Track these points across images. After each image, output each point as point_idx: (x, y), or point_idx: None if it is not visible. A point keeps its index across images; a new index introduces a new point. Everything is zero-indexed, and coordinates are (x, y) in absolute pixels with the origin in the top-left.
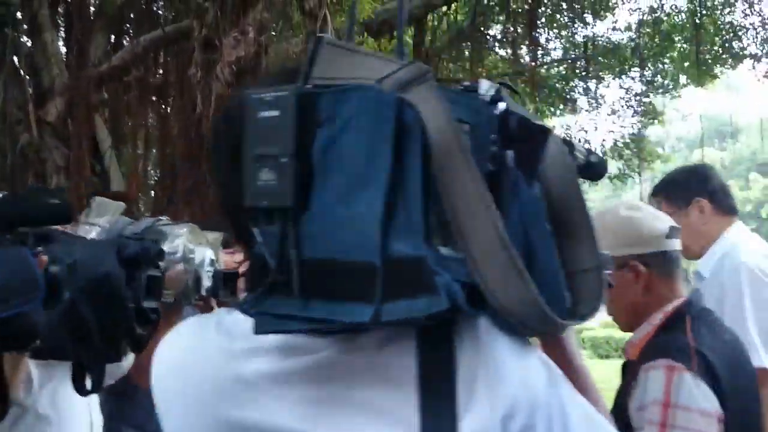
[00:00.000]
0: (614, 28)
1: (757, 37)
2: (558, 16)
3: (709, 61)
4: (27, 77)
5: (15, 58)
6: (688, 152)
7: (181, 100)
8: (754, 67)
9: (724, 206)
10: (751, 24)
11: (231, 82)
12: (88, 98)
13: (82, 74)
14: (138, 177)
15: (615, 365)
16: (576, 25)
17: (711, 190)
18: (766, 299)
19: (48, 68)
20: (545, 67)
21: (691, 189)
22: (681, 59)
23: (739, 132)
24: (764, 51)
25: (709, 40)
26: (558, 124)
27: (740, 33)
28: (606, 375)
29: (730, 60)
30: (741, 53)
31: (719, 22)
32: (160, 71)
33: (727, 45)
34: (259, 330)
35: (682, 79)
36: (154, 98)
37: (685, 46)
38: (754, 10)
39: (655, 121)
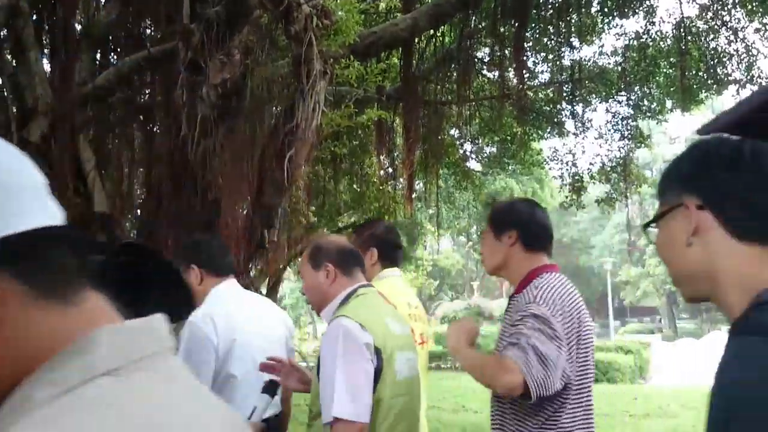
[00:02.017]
0: (601, 53)
1: (741, 64)
2: (545, 39)
3: (694, 86)
4: (10, 96)
5: None
6: None
7: (167, 121)
8: (738, 93)
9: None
10: (735, 50)
11: (216, 104)
12: (73, 118)
13: (67, 94)
14: (123, 198)
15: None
16: (563, 49)
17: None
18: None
19: (31, 87)
20: (533, 90)
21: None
22: (667, 84)
23: None
24: (748, 77)
25: (694, 66)
26: (546, 147)
27: (724, 59)
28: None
29: (714, 86)
30: (725, 79)
31: (704, 48)
32: (146, 92)
33: (711, 71)
34: None
35: (668, 103)
36: (139, 119)
37: (670, 71)
38: (738, 37)
39: (642, 144)
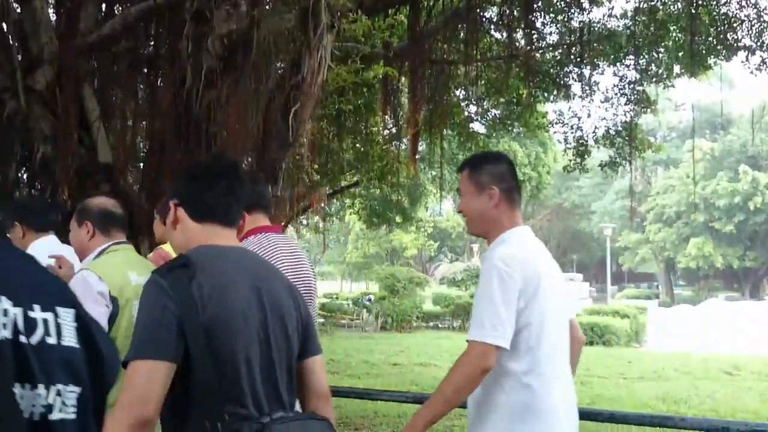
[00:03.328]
0: (610, 15)
1: (751, 29)
2: (554, 0)
3: (703, 51)
4: (15, 44)
5: (3, 25)
6: (680, 142)
7: (171, 73)
8: (747, 59)
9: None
10: (746, 16)
11: (222, 55)
12: (77, 67)
13: (72, 43)
14: (126, 149)
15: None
16: (572, 10)
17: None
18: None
19: (37, 36)
20: (540, 51)
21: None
22: (675, 48)
23: (730, 124)
24: (758, 43)
25: (704, 31)
26: (550, 110)
27: (735, 25)
28: (588, 362)
29: (724, 51)
30: (735, 45)
31: (715, 13)
32: (151, 43)
33: (721, 36)
34: None
35: (676, 68)
36: (144, 69)
37: (680, 35)
38: (750, 2)
39: (648, 109)
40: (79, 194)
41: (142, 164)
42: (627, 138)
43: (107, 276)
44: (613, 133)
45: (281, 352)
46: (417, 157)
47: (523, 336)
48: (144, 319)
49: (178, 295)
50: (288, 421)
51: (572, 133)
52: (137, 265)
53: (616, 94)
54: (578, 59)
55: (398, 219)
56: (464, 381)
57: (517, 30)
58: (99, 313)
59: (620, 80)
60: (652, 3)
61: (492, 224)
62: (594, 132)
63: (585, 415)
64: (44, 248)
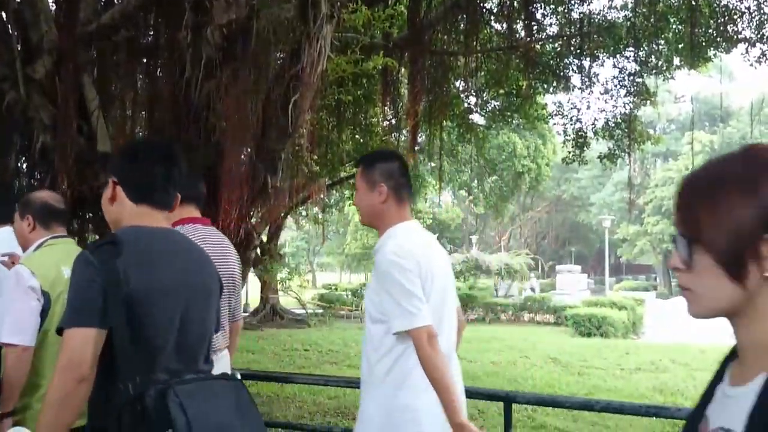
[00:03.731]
0: (610, 6)
1: (751, 21)
2: None
3: (703, 43)
4: (15, 33)
5: (3, 14)
6: (679, 134)
7: (171, 63)
8: (747, 51)
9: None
10: (746, 8)
11: (221, 45)
12: (77, 57)
13: (72, 32)
14: (125, 138)
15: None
16: (572, 2)
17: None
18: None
19: (36, 25)
20: (540, 42)
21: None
22: (675, 40)
23: (729, 116)
24: (758, 35)
25: (704, 23)
26: (550, 102)
27: (735, 17)
28: (586, 353)
29: (723, 43)
30: (735, 37)
31: (715, 5)
32: (150, 32)
33: (721, 28)
34: None
35: (676, 60)
36: (143, 59)
37: (680, 27)
38: None
39: (647, 101)
40: (78, 183)
41: None
42: (626, 130)
43: (40, 270)
44: (613, 125)
45: (200, 325)
46: (416, 148)
47: None
48: (74, 289)
49: (103, 269)
50: (192, 382)
51: (571, 124)
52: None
53: (615, 85)
54: (578, 51)
55: None
56: (443, 363)
57: (517, 21)
58: (31, 307)
59: (620, 72)
60: None
61: (380, 218)
62: (593, 124)
63: (582, 405)
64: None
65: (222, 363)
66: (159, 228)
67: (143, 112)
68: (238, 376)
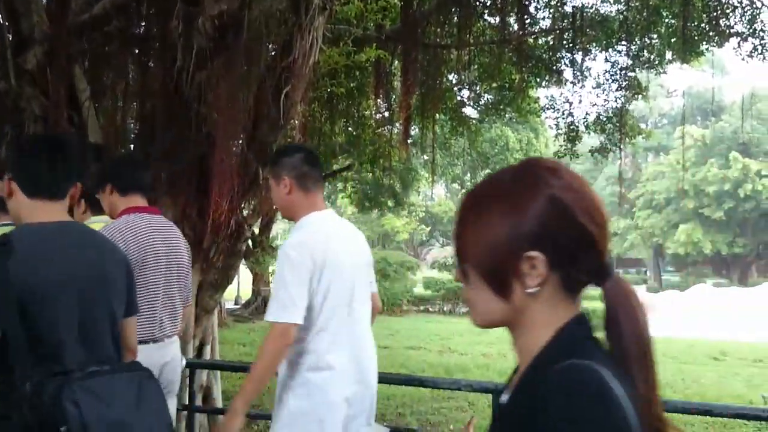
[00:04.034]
0: (603, 0)
1: (744, 16)
2: None
3: (696, 37)
4: (6, 23)
5: None
6: (671, 128)
7: (162, 53)
8: (740, 46)
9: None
10: (739, 2)
11: (212, 36)
12: (68, 47)
13: (63, 23)
14: (117, 129)
15: None
16: None
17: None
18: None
19: (28, 15)
20: (533, 36)
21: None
22: (668, 35)
23: (722, 110)
24: (751, 30)
25: (697, 17)
26: (542, 96)
27: (728, 11)
28: None
29: (716, 38)
30: (727, 31)
31: None
32: (142, 23)
33: (714, 22)
34: None
35: (668, 54)
36: (135, 50)
37: (672, 21)
38: None
39: (639, 96)
40: None
41: (132, 145)
42: (617, 124)
43: None
44: (604, 119)
45: (103, 314)
46: (409, 141)
47: (317, 311)
48: None
49: None
50: (93, 376)
51: (563, 118)
52: None
53: (607, 80)
54: (570, 45)
55: (390, 203)
56: (271, 358)
57: (510, 14)
58: None
59: (612, 66)
60: None
61: (291, 210)
62: (585, 118)
63: None
64: None
65: (171, 349)
66: (54, 223)
67: (134, 103)
68: (184, 362)
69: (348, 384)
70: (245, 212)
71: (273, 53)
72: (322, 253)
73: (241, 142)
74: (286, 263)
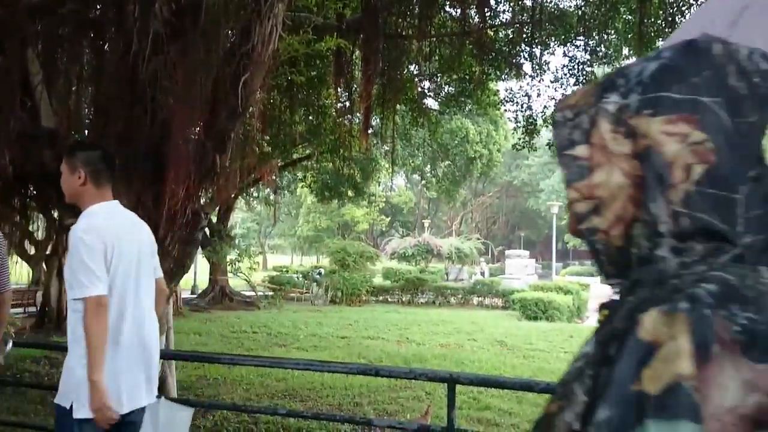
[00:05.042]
0: None
1: None
2: None
3: (652, 34)
4: None
5: None
6: None
7: (118, 37)
8: None
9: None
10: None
11: (169, 20)
12: (21, 30)
13: (15, 4)
14: (70, 114)
15: (540, 327)
16: None
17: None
18: None
19: None
20: (493, 29)
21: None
22: (625, 30)
23: None
24: None
25: (653, 13)
26: (502, 89)
27: (683, 8)
28: (531, 336)
29: (672, 34)
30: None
31: None
32: (98, 6)
33: (670, 19)
34: None
35: (625, 50)
36: (90, 34)
37: (629, 17)
38: None
39: None
40: (21, 160)
41: (87, 130)
42: None
43: None
44: None
45: None
46: (370, 131)
47: (108, 289)
48: None
49: None
50: None
51: (522, 111)
52: None
53: (565, 74)
54: (530, 38)
55: (350, 193)
56: (100, 329)
57: (471, 7)
58: None
59: (570, 60)
60: None
61: (80, 198)
62: (543, 111)
63: (522, 386)
64: None
65: None
66: None
67: (89, 88)
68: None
69: (132, 357)
70: (202, 200)
71: (231, 40)
72: (109, 237)
73: (198, 129)
74: (81, 246)
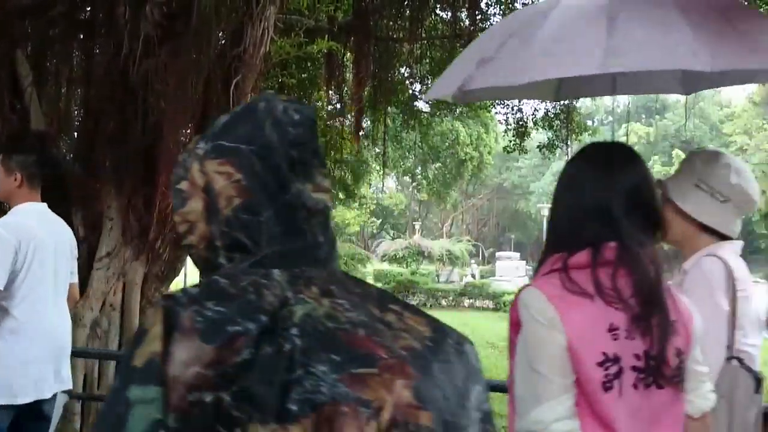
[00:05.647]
0: None
1: None
2: None
3: None
4: None
5: None
6: (617, 126)
7: (108, 39)
8: None
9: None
10: None
11: (160, 23)
12: (11, 31)
13: (5, 5)
14: (60, 116)
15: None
16: None
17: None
18: None
19: None
20: (484, 32)
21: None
22: None
23: (665, 109)
24: None
25: None
26: None
27: None
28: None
29: None
30: None
31: None
32: (88, 7)
33: None
34: None
35: None
36: (80, 35)
37: None
38: None
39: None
40: None
41: (76, 133)
42: (565, 121)
43: None
44: (552, 115)
45: None
46: (361, 133)
47: (20, 282)
48: None
49: None
50: None
51: (513, 114)
52: None
53: None
54: None
55: (341, 195)
56: None
57: (462, 10)
58: None
59: None
60: None
61: (12, 198)
62: (533, 114)
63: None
64: None
65: None
66: None
67: (79, 90)
68: None
69: (43, 349)
70: None
71: (223, 42)
72: (26, 234)
73: (189, 131)
74: None
